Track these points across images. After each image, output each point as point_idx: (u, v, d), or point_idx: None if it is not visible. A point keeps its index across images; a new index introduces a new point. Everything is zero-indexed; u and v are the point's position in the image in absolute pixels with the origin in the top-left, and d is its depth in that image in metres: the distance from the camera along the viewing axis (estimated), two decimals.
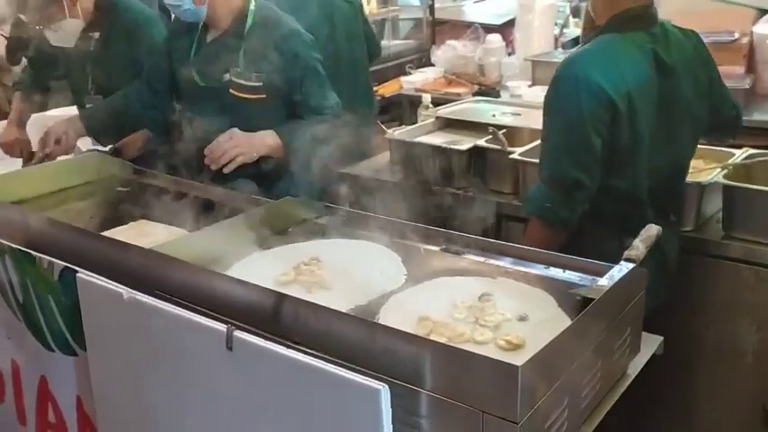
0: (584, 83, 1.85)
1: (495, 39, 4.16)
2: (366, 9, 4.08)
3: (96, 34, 2.68)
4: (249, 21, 2.35)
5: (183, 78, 2.45)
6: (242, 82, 2.33)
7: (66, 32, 2.60)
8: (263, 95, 2.33)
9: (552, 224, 1.92)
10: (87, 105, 2.79)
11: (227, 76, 2.34)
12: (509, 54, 4.20)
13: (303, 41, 2.37)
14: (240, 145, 2.24)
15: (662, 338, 1.60)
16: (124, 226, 2.04)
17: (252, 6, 2.37)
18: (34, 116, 3.61)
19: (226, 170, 2.23)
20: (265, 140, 2.30)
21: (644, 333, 1.55)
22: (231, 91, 2.34)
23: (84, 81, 2.78)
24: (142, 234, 1.97)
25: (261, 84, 2.32)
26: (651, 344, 1.57)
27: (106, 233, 1.92)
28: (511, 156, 2.53)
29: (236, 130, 2.27)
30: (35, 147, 2.81)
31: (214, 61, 2.38)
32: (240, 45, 2.34)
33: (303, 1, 3.15)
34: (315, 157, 2.19)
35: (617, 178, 1.93)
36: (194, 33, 2.43)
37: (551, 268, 1.63)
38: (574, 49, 2.01)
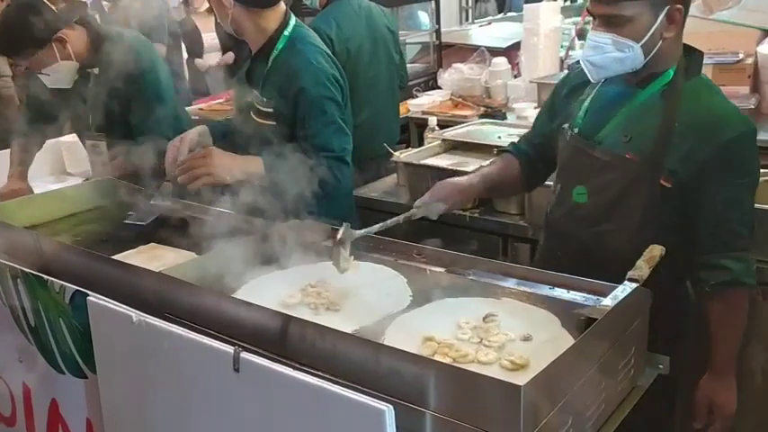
0: (755, 135, 1.76)
1: (500, 61, 4.19)
2: None
3: (95, 70, 2.66)
4: (279, 46, 2.31)
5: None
6: (258, 107, 2.32)
7: (60, 75, 2.59)
8: (273, 123, 2.28)
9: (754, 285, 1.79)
10: (89, 142, 2.78)
11: (249, 98, 2.36)
12: (515, 76, 4.22)
13: (315, 77, 2.24)
14: (210, 165, 2.13)
15: (668, 358, 1.60)
16: (134, 250, 2.06)
17: (286, 32, 2.31)
18: (49, 142, 3.66)
19: (190, 188, 2.15)
20: (247, 166, 2.18)
21: (651, 353, 1.56)
22: (251, 114, 2.34)
23: (85, 118, 2.76)
24: (152, 257, 1.99)
25: (271, 110, 2.28)
26: (658, 364, 1.57)
27: (117, 257, 1.95)
28: None
29: (214, 148, 2.19)
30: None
31: (246, 82, 2.40)
32: (265, 69, 2.32)
33: (353, 25, 3.25)
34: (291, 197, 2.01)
35: None
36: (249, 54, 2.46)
37: (555, 289, 1.64)
38: (690, 106, 1.75)
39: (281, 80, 2.27)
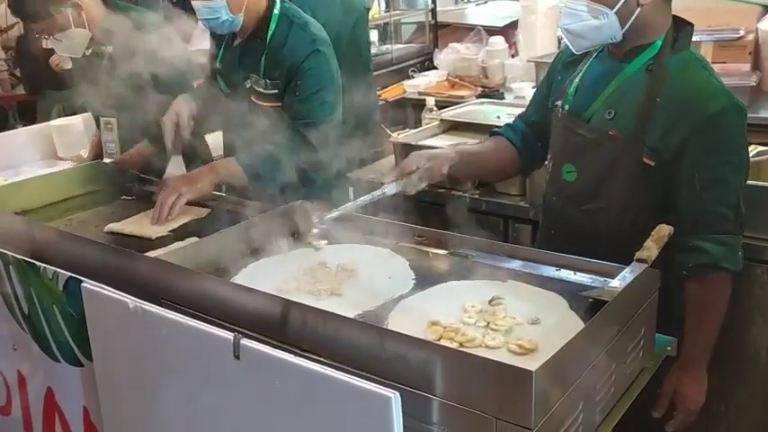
0: (743, 111, 1.68)
1: (497, 41, 4.14)
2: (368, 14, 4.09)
3: (109, 48, 2.66)
4: (272, 27, 2.29)
5: (211, 83, 2.45)
6: (260, 90, 2.29)
7: (72, 42, 2.58)
8: (279, 104, 2.27)
9: (739, 271, 1.71)
10: (102, 119, 2.78)
11: (248, 83, 2.31)
12: (512, 56, 4.18)
13: (317, 52, 2.26)
14: (175, 189, 2.13)
15: (675, 339, 1.58)
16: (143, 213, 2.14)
17: (276, 11, 2.30)
18: (37, 126, 3.61)
19: (169, 219, 2.10)
20: (218, 170, 2.22)
21: (657, 334, 1.53)
22: (252, 98, 2.30)
23: (97, 95, 2.76)
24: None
25: (276, 91, 2.26)
26: (666, 345, 1.55)
27: (128, 220, 2.04)
28: None
29: (168, 178, 2.22)
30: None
31: (237, 67, 2.35)
32: (261, 51, 2.28)
33: (329, 9, 3.16)
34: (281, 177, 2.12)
35: None
36: (222, 39, 2.41)
37: (562, 270, 1.61)
38: (674, 80, 1.70)
39: (281, 60, 2.24)
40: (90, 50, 2.67)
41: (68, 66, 2.68)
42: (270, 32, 2.28)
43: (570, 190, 1.84)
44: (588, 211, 1.80)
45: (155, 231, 2.03)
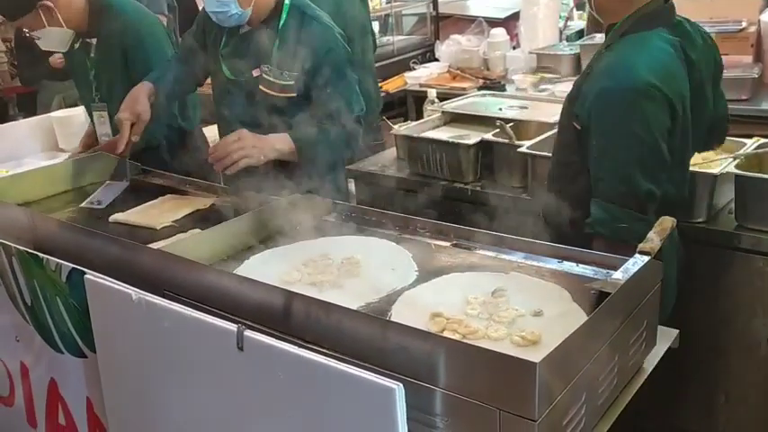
0: (644, 90, 1.72)
1: (499, 32, 4.14)
2: (370, 4, 4.09)
3: (94, 40, 2.64)
4: (283, 16, 2.26)
5: (212, 70, 2.41)
6: (272, 80, 2.25)
7: (50, 39, 2.56)
8: (294, 94, 2.24)
9: (628, 242, 1.70)
10: (95, 113, 2.77)
11: (256, 72, 2.27)
12: (513, 48, 4.18)
13: (335, 41, 2.25)
14: (246, 147, 2.09)
15: (677, 332, 1.58)
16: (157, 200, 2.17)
17: (287, 1, 2.28)
18: (38, 118, 3.61)
19: (228, 172, 2.12)
20: (275, 144, 2.17)
21: (659, 326, 1.53)
22: (261, 88, 2.26)
23: (88, 88, 2.75)
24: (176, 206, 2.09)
25: (292, 82, 2.23)
26: (667, 337, 1.55)
27: (136, 209, 2.08)
28: (519, 149, 2.51)
29: (244, 131, 2.15)
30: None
31: (245, 55, 2.31)
32: (272, 41, 2.25)
33: (321, 8, 3.15)
34: (326, 163, 2.17)
35: (668, 183, 1.82)
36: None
37: (564, 262, 1.61)
38: (607, 55, 1.83)
39: (298, 51, 2.21)
40: (78, 44, 2.65)
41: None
42: (281, 22, 2.26)
43: (555, 147, 2.05)
44: (553, 167, 2.02)
45: (159, 222, 2.03)
